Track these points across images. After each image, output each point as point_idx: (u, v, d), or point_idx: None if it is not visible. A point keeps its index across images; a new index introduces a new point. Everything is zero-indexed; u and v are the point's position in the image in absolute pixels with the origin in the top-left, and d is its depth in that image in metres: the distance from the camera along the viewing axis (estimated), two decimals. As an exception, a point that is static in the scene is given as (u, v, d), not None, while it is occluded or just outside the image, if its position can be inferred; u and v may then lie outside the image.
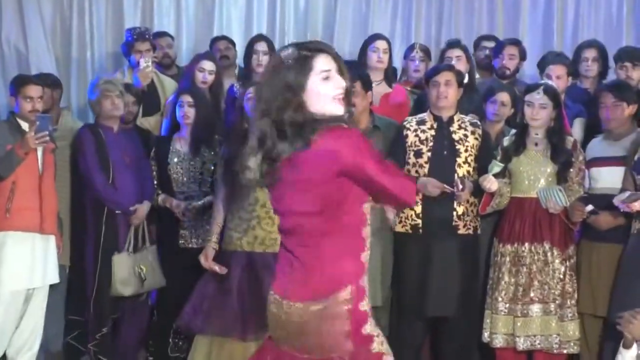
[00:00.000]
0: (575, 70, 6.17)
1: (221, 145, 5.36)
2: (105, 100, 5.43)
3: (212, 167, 5.49)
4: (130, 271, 5.37)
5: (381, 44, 6.02)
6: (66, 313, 5.68)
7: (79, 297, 5.53)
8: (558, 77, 5.81)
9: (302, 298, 2.77)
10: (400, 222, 5.19)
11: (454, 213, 5.12)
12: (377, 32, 6.51)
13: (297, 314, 2.78)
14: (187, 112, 5.52)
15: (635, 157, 4.89)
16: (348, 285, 2.76)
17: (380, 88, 5.91)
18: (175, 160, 5.56)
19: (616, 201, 4.81)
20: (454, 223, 5.13)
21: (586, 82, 6.16)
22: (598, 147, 5.23)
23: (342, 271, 2.77)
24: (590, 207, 4.97)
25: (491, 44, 6.54)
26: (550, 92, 5.08)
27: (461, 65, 5.83)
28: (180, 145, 5.59)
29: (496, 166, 5.00)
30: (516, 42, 6.50)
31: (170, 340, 5.49)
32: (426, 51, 6.55)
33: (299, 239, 2.80)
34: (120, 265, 5.36)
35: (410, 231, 5.16)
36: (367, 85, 5.30)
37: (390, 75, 6.05)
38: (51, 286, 5.39)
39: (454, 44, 6.10)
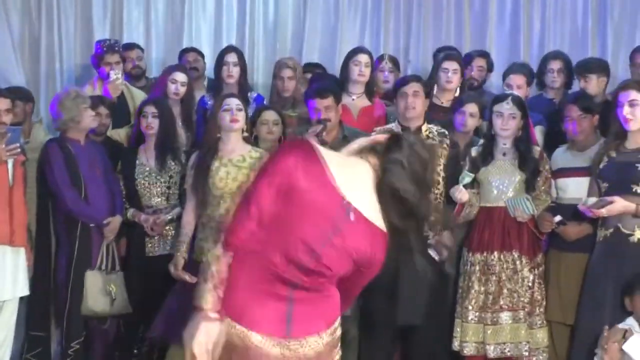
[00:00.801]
0: (541, 81, 6.26)
1: (188, 156, 5.36)
2: (84, 114, 5.38)
3: (180, 180, 5.47)
4: (101, 288, 5.33)
5: (363, 58, 6.00)
6: (27, 329, 5.58)
7: (42, 313, 5.49)
8: (518, 86, 5.92)
9: (318, 330, 2.75)
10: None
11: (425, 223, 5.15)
12: (359, 46, 6.52)
13: (313, 347, 2.74)
14: (151, 123, 5.49)
15: (600, 166, 4.93)
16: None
17: (360, 101, 5.93)
18: (142, 175, 5.54)
19: (582, 207, 4.86)
20: (424, 232, 5.16)
21: (551, 92, 6.24)
22: (563, 157, 5.28)
23: (338, 297, 2.80)
24: (558, 218, 5.03)
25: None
26: (518, 102, 5.14)
27: (456, 79, 5.88)
28: (146, 158, 5.55)
29: (467, 176, 5.03)
30: (484, 54, 6.59)
31: (136, 350, 5.50)
32: (395, 62, 6.60)
33: (322, 275, 2.72)
34: (93, 282, 5.32)
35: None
36: (338, 99, 5.37)
37: (371, 89, 6.04)
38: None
39: (451, 56, 6.07)
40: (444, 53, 6.22)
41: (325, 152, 2.64)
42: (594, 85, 5.88)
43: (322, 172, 2.57)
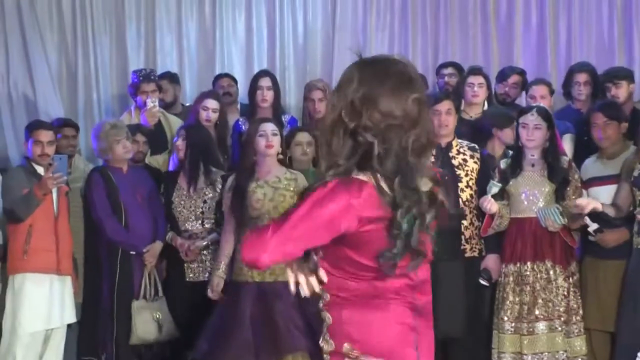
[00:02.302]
0: (568, 92, 6.31)
1: (224, 179, 5.45)
2: (116, 146, 5.51)
3: (216, 205, 5.53)
4: (149, 317, 5.41)
5: None
6: (78, 354, 5.75)
7: (92, 338, 5.61)
8: (542, 96, 5.97)
9: None
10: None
11: (462, 237, 5.22)
12: None
13: None
14: (179, 146, 5.61)
15: (636, 173, 4.95)
16: None
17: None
18: (178, 198, 5.62)
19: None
20: (462, 247, 5.24)
21: (578, 103, 6.28)
22: (593, 167, 5.31)
23: None
24: (595, 226, 5.03)
25: (449, 71, 6.61)
26: (544, 113, 5.17)
27: (482, 92, 5.93)
28: (183, 182, 5.64)
29: (494, 186, 5.07)
30: (521, 72, 6.60)
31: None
32: (423, 78, 6.67)
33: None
34: (140, 312, 5.40)
35: (416, 257, 5.26)
36: None
37: None
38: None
39: (476, 70, 6.12)
40: (470, 67, 6.28)
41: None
42: (624, 91, 5.93)
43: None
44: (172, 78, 6.95)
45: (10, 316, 5.28)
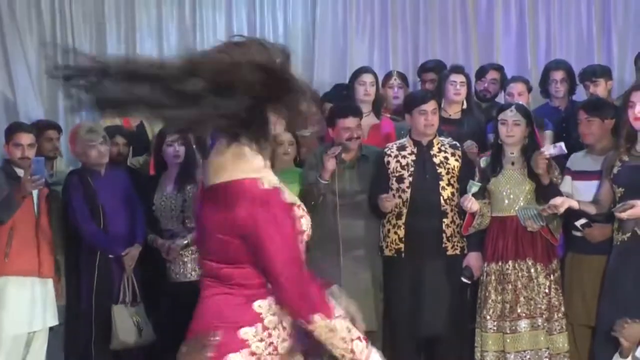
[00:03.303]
0: (545, 89, 6.35)
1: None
2: (90, 151, 5.48)
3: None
4: (129, 322, 5.39)
5: (367, 77, 6.04)
6: (66, 356, 5.72)
7: (77, 342, 5.58)
8: (519, 94, 6.01)
9: None
10: (387, 246, 5.32)
11: (443, 235, 5.25)
12: (363, 65, 6.55)
13: None
14: (179, 152, 5.58)
15: (615, 170, 4.96)
16: None
17: (368, 119, 5.98)
18: (159, 198, 5.61)
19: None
20: (443, 245, 5.26)
21: (556, 101, 6.32)
22: (583, 161, 5.30)
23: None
24: (583, 221, 5.07)
25: (431, 77, 6.58)
26: (522, 110, 5.20)
27: (464, 91, 5.96)
28: (165, 184, 5.63)
29: (474, 186, 5.08)
30: (498, 68, 6.67)
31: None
32: (404, 78, 6.69)
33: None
34: (120, 316, 5.38)
35: (395, 255, 5.29)
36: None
37: (378, 106, 6.10)
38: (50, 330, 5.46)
39: (458, 69, 6.13)
40: (451, 66, 6.29)
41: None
42: (602, 89, 6.00)
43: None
44: None
45: (-8, 319, 5.26)
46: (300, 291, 2.44)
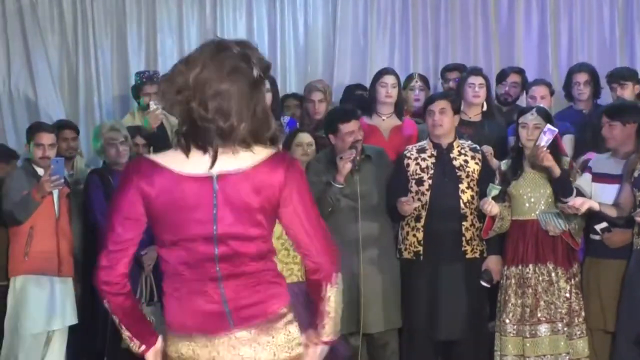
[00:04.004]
0: (569, 93, 6.31)
1: None
2: (110, 149, 5.54)
3: None
4: None
5: (389, 79, 6.00)
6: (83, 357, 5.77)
7: (94, 341, 5.62)
8: (542, 97, 5.99)
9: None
10: (406, 249, 5.31)
11: (463, 238, 5.22)
12: (385, 67, 6.52)
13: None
14: None
15: (636, 174, 4.94)
16: None
17: (390, 121, 5.97)
18: None
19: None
20: (462, 248, 5.24)
21: (580, 104, 6.28)
22: (606, 163, 5.25)
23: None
24: (603, 225, 5.04)
25: (454, 75, 6.58)
26: (543, 113, 5.17)
27: (483, 93, 5.93)
28: None
29: (494, 189, 5.04)
30: (519, 71, 6.64)
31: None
32: (425, 80, 6.67)
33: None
34: None
35: (414, 257, 5.28)
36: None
37: (400, 108, 6.08)
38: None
39: (476, 71, 6.10)
40: (469, 68, 6.29)
41: (160, 155, 2.58)
42: (630, 91, 5.97)
43: (164, 170, 2.51)
44: None
45: (12, 318, 5.29)
46: (331, 248, 2.63)
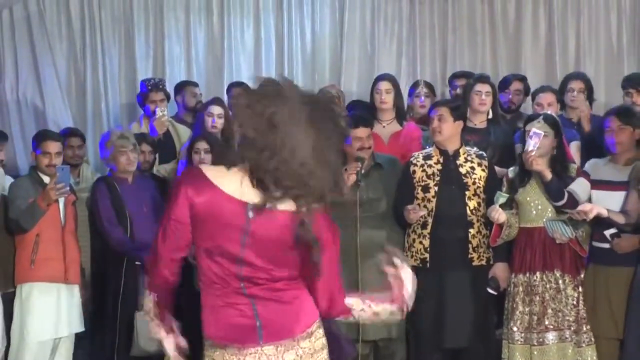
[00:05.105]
0: (561, 100, 6.26)
1: None
2: (120, 157, 5.53)
3: None
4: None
5: (382, 85, 6.02)
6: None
7: (103, 348, 5.60)
8: (549, 104, 5.96)
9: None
10: (412, 256, 5.29)
11: (469, 245, 5.21)
12: (382, 73, 6.54)
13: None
14: (204, 159, 5.59)
15: (645, 181, 4.92)
16: None
17: (391, 127, 5.98)
18: None
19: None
20: (469, 255, 5.23)
21: (571, 112, 6.21)
22: (605, 169, 5.22)
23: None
24: (612, 230, 5.03)
25: (463, 82, 6.56)
26: (550, 121, 5.16)
27: (489, 101, 5.92)
28: None
29: (501, 197, 5.04)
30: (521, 78, 6.64)
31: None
32: (430, 87, 6.67)
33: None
34: (143, 323, 5.30)
35: (420, 265, 5.26)
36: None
37: (402, 114, 6.08)
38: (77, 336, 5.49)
39: (483, 78, 6.09)
40: (476, 75, 6.28)
41: (210, 169, 2.73)
42: None
43: (212, 186, 2.65)
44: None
45: (18, 325, 5.28)
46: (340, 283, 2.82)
